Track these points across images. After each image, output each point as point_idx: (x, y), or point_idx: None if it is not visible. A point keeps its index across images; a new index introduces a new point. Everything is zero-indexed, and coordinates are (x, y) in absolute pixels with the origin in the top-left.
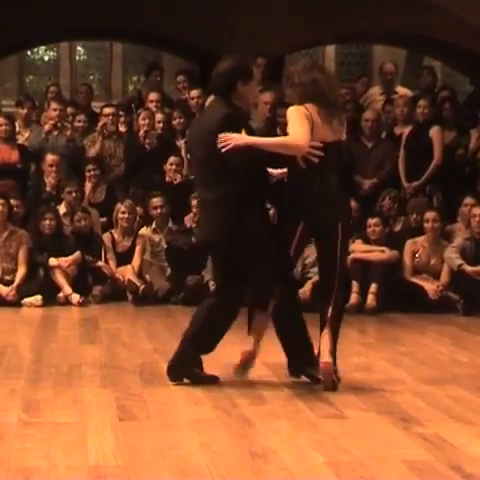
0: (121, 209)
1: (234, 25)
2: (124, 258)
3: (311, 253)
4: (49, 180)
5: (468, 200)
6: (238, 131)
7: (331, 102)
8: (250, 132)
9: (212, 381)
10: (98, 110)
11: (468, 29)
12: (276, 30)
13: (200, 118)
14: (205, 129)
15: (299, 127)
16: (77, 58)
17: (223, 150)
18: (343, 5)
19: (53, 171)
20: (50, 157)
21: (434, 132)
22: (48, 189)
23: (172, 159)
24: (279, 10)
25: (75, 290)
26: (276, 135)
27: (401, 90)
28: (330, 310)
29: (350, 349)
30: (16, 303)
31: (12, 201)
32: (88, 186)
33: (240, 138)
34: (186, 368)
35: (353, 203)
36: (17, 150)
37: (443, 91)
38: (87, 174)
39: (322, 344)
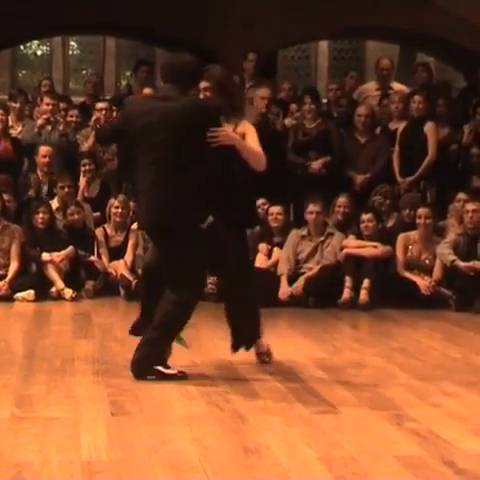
0: (114, 204)
1: (229, 20)
2: (117, 253)
3: (304, 249)
4: (43, 170)
5: (461, 196)
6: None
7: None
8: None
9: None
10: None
11: (462, 25)
12: (271, 25)
13: (157, 104)
14: (175, 114)
15: (257, 147)
16: (70, 53)
17: (213, 145)
18: (338, 1)
19: (46, 162)
20: (44, 148)
21: (429, 128)
22: (41, 178)
23: None
24: (274, 5)
25: (68, 285)
26: (272, 131)
27: (396, 86)
28: None
29: (343, 344)
30: (8, 298)
31: (4, 196)
32: (83, 181)
33: (230, 135)
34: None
35: (345, 198)
36: (10, 144)
37: (437, 87)
38: (82, 169)
39: None
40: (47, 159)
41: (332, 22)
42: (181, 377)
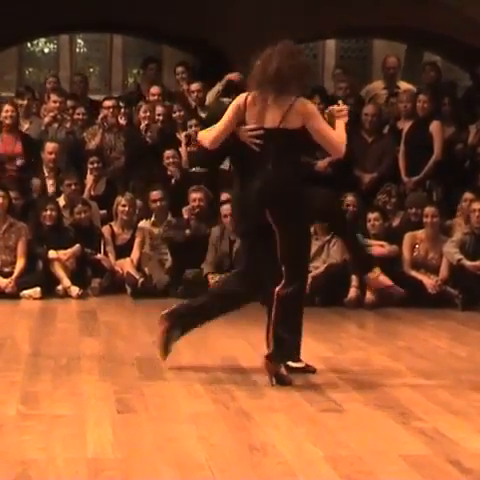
0: (121, 202)
1: (234, 18)
2: (123, 251)
3: (311, 247)
4: (49, 166)
5: (467, 195)
6: None
7: (274, 88)
8: None
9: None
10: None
11: (468, 24)
12: (277, 24)
13: None
14: None
15: (218, 123)
16: (77, 51)
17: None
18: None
19: (52, 159)
20: (50, 145)
21: (434, 127)
22: (46, 175)
23: (168, 153)
24: (280, 4)
25: (74, 283)
26: None
27: (403, 85)
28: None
29: (349, 343)
30: (15, 295)
31: (11, 193)
32: (90, 179)
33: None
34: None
35: (352, 197)
36: (20, 141)
37: (442, 86)
38: (89, 166)
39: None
40: (53, 156)
41: (334, 21)
42: None
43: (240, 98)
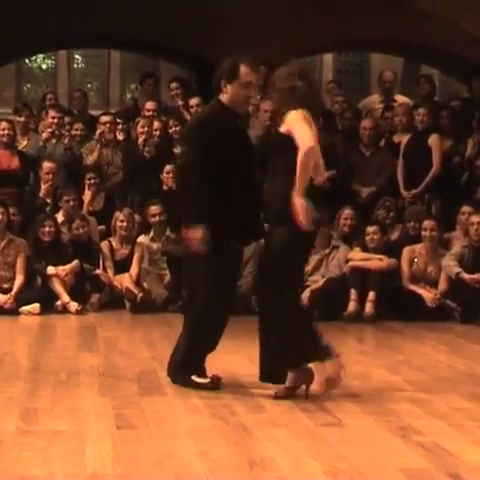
0: (120, 217)
1: (232, 33)
2: (122, 266)
3: (310, 261)
4: (45, 187)
5: (466, 208)
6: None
7: (310, 109)
8: (222, 132)
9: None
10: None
11: (465, 37)
12: (274, 38)
13: None
14: None
15: (305, 130)
16: (75, 66)
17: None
18: (341, 13)
19: (49, 179)
20: (47, 164)
21: (433, 140)
22: (41, 195)
23: (168, 167)
24: (277, 18)
25: (73, 298)
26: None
27: (400, 98)
28: None
29: (348, 357)
30: (14, 311)
31: (10, 209)
32: (88, 194)
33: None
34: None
35: (350, 210)
36: (17, 157)
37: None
38: (87, 182)
39: None
40: (50, 175)
41: (333, 35)
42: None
43: (300, 112)
